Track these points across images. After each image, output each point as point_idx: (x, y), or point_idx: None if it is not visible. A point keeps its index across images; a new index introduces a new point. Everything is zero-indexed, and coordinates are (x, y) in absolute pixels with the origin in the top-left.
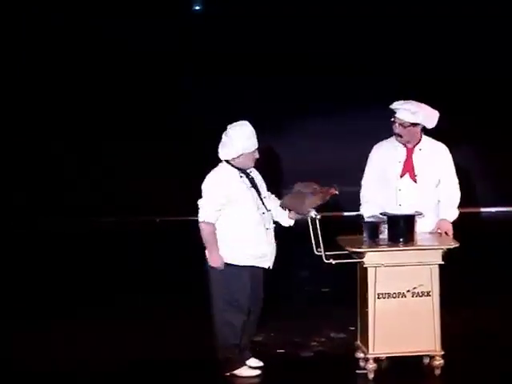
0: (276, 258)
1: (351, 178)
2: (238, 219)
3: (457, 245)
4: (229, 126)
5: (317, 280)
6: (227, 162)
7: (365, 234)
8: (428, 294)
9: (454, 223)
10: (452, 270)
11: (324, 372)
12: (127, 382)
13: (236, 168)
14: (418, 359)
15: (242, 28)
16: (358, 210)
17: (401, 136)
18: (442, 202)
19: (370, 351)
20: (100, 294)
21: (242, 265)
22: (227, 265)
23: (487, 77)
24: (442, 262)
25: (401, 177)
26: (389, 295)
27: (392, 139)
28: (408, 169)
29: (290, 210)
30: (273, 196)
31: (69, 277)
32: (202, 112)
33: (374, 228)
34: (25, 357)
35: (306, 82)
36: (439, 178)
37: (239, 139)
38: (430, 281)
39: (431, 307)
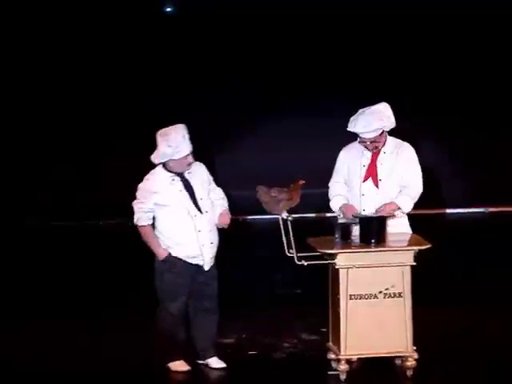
0: (248, 260)
1: (321, 180)
2: (168, 222)
3: (428, 246)
4: (158, 132)
5: (289, 281)
6: (162, 164)
7: (336, 235)
8: (400, 295)
9: (425, 224)
10: (424, 270)
11: (296, 373)
12: None
13: (170, 171)
14: (390, 360)
15: (217, 25)
16: (328, 211)
17: (377, 147)
18: (401, 192)
19: (342, 352)
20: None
21: (178, 256)
22: (169, 254)
23: (455, 75)
24: (414, 263)
25: (363, 181)
26: (360, 296)
27: None
28: (371, 173)
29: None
30: (219, 192)
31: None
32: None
33: (345, 229)
34: None
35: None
36: (403, 176)
37: (166, 146)
38: (402, 282)
39: (403, 308)
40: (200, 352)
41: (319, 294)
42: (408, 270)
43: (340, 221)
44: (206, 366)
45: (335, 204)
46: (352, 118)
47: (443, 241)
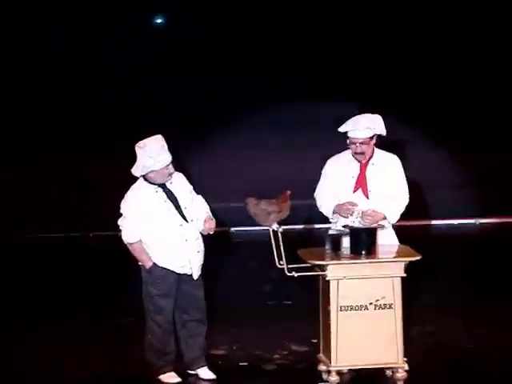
0: (237, 271)
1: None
2: (155, 233)
3: (419, 257)
4: (137, 144)
5: (279, 293)
6: (143, 177)
7: (327, 247)
8: (390, 307)
9: (413, 235)
10: (414, 282)
11: (288, 383)
12: None
13: (151, 183)
14: (380, 372)
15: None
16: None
17: (363, 153)
18: (388, 203)
19: (333, 364)
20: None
21: (166, 267)
22: (155, 265)
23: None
24: (404, 275)
25: (353, 192)
26: (351, 308)
27: (347, 152)
28: (361, 184)
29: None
30: (200, 200)
31: None
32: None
33: (335, 241)
34: None
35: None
36: (390, 190)
37: (146, 158)
38: (393, 293)
39: (393, 319)
40: (190, 362)
41: (309, 306)
42: (398, 281)
43: (330, 232)
44: (197, 376)
45: (327, 209)
46: (345, 123)
47: (434, 252)
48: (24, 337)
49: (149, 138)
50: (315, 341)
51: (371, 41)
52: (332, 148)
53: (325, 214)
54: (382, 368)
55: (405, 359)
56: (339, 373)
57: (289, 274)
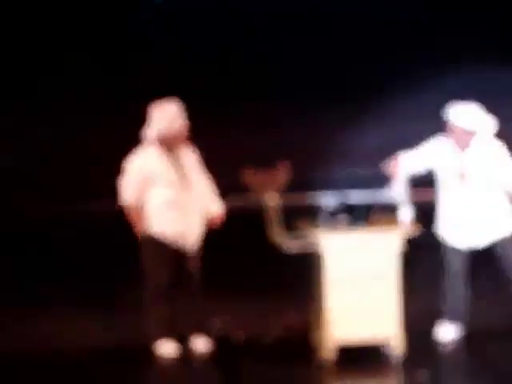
0: (229, 246)
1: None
2: (155, 198)
3: (417, 231)
4: (152, 106)
5: (276, 269)
6: (153, 141)
7: (323, 220)
8: (388, 280)
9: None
10: (413, 256)
11: (283, 359)
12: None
13: (160, 147)
14: (376, 349)
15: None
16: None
17: None
18: None
19: (330, 338)
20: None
21: (159, 239)
22: (151, 236)
23: None
24: (402, 248)
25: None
26: (347, 280)
27: None
28: None
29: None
30: (208, 182)
31: None
32: None
33: (332, 212)
34: None
35: None
36: None
37: (159, 120)
38: (389, 265)
39: (391, 293)
40: (186, 333)
41: (306, 277)
42: (395, 253)
43: (327, 204)
44: (192, 348)
45: None
46: None
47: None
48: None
49: (161, 102)
50: (312, 315)
51: None
52: None
53: None
54: (379, 345)
55: (401, 335)
56: (335, 349)
57: (286, 249)
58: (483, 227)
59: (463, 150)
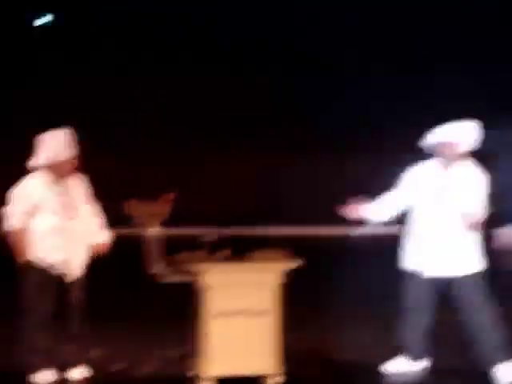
0: (111, 277)
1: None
2: (40, 225)
3: (297, 264)
4: (42, 135)
5: (153, 298)
6: (41, 168)
7: (203, 252)
8: (267, 313)
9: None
10: (292, 289)
11: None
12: None
13: (48, 175)
14: (255, 379)
15: None
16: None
17: None
18: None
19: (206, 370)
20: None
21: (42, 266)
22: (34, 263)
23: None
24: (282, 281)
25: None
26: (226, 314)
27: None
28: None
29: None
30: (95, 209)
31: None
32: None
33: (213, 245)
34: None
35: None
36: None
37: (47, 147)
38: (269, 300)
39: (269, 326)
40: (65, 363)
41: (184, 312)
42: (275, 287)
43: (207, 237)
44: (70, 379)
45: None
46: None
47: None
48: None
49: (52, 131)
50: (188, 347)
51: None
52: None
53: None
54: (257, 375)
55: (280, 371)
56: (212, 379)
57: (163, 280)
58: (449, 257)
59: (447, 168)
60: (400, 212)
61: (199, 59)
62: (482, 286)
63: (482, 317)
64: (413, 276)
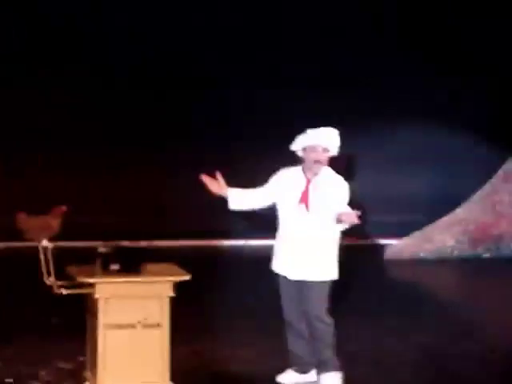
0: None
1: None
2: None
3: (187, 277)
4: None
5: (48, 310)
6: None
7: (96, 264)
8: (158, 326)
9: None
10: (184, 301)
11: None
12: None
13: None
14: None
15: None
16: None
17: None
18: None
19: (99, 382)
20: None
21: None
22: None
23: None
24: (173, 294)
25: None
26: (119, 326)
27: None
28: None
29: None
30: None
31: None
32: None
33: (105, 258)
34: None
35: None
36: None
37: None
38: (160, 312)
39: (161, 339)
40: None
41: (78, 323)
42: (166, 300)
43: (100, 250)
44: None
45: None
46: None
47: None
48: None
49: None
50: (82, 358)
51: None
52: None
53: None
54: None
55: (168, 382)
56: None
57: (57, 291)
58: (302, 261)
59: (315, 174)
60: (258, 208)
61: None
62: (326, 296)
63: (318, 325)
64: (282, 278)
